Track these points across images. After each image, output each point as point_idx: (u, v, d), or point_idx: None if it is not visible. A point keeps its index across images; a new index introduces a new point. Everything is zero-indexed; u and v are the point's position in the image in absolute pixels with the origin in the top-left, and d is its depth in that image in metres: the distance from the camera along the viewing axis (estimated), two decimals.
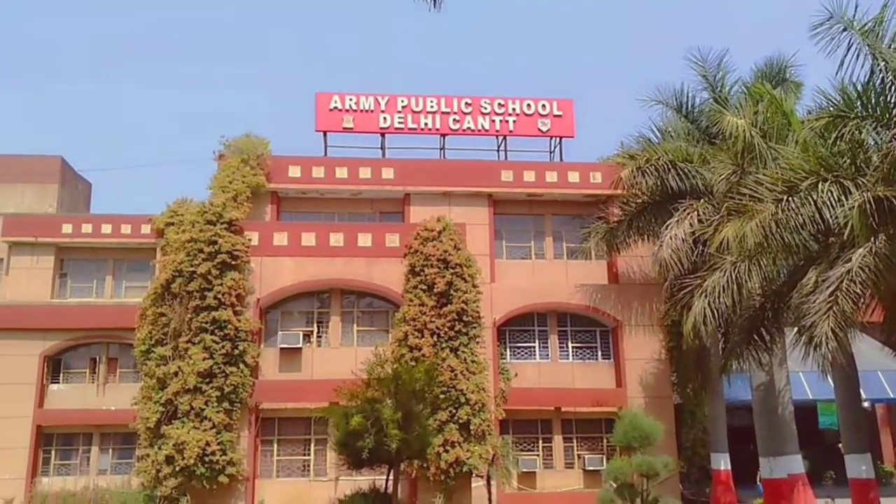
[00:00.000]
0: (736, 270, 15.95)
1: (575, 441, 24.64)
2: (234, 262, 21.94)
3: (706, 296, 16.52)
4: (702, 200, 20.01)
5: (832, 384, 22.28)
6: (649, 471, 9.71)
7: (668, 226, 19.97)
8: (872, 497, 15.34)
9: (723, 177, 18.65)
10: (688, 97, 23.02)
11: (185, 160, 55.06)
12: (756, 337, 17.03)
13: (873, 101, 14.26)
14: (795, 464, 20.48)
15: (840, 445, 24.97)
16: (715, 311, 16.52)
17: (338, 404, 22.12)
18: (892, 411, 29.12)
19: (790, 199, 13.95)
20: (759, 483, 22.84)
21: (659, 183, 21.01)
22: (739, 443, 25.11)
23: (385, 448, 5.51)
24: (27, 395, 26.46)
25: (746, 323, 17.03)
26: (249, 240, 22.67)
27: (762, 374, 19.57)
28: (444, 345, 21.77)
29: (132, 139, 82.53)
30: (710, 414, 23.78)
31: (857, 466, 15.58)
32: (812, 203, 13.65)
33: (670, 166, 20.71)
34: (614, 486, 23.17)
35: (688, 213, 19.71)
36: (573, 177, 26.03)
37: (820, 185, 13.51)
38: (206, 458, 19.98)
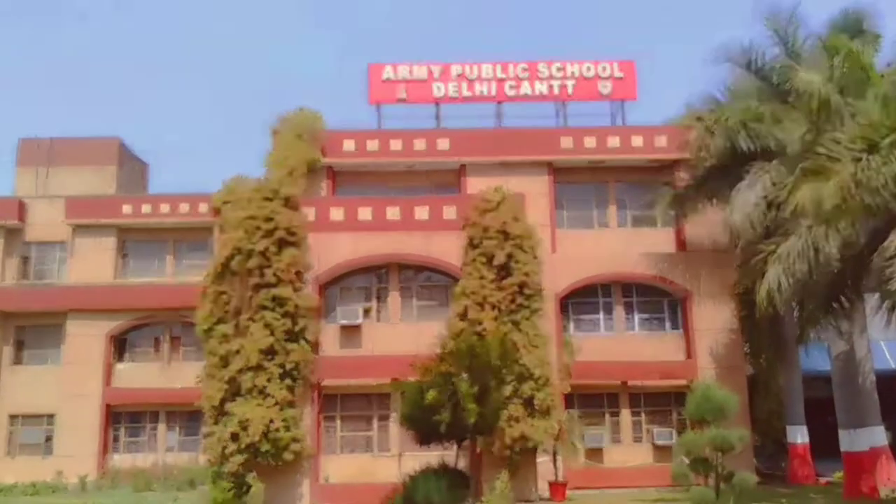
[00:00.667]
0: (812, 235, 15.07)
1: (643, 415, 23.96)
2: (291, 239, 21.74)
3: (780, 262, 15.69)
4: (774, 162, 18.97)
5: None
6: (724, 444, 9.11)
7: (738, 189, 19.01)
8: None
9: (797, 136, 17.62)
10: (757, 53, 21.78)
11: (240, 137, 55.45)
12: (835, 304, 16.20)
13: None
14: (877, 436, 19.48)
15: None
16: (790, 278, 15.69)
17: (400, 380, 22.00)
18: None
19: (870, 157, 13.07)
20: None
21: (728, 144, 20.00)
22: (817, 415, 24.10)
23: (461, 422, 5.16)
24: (95, 374, 27.10)
25: (824, 290, 16.15)
26: (306, 216, 22.43)
27: (841, 343, 18.56)
28: (505, 318, 21.22)
29: (187, 118, 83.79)
30: (786, 385, 22.87)
31: None
32: (894, 161, 12.68)
33: (740, 127, 19.67)
34: (687, 460, 22.58)
35: (759, 176, 18.72)
36: (636, 141, 25.06)
37: None
38: (271, 435, 19.95)
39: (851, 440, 18.30)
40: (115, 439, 27.53)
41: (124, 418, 27.71)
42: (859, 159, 13.09)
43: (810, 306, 17.53)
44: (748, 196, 18.58)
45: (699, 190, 21.65)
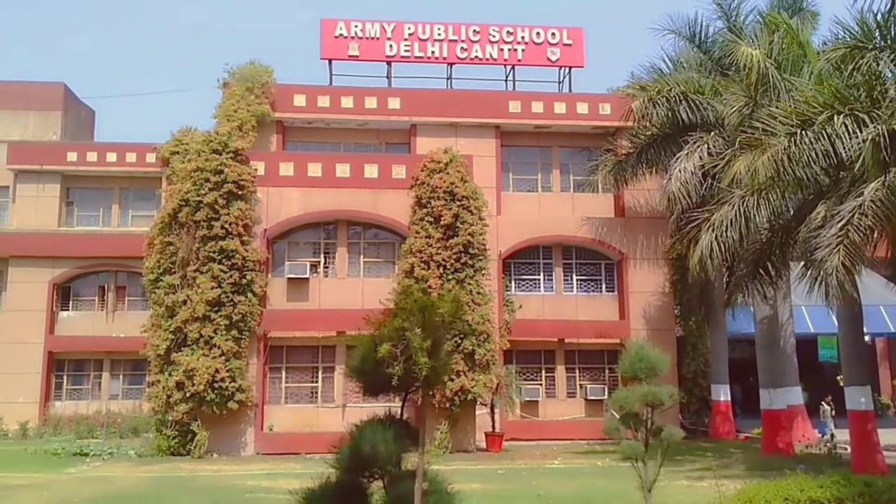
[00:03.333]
0: (745, 204, 15.88)
1: (577, 371, 25.04)
2: (240, 192, 21.87)
3: (713, 229, 16.51)
4: (712, 133, 19.82)
5: (834, 318, 22.59)
6: (654, 400, 9.79)
7: (677, 159, 19.83)
8: (870, 428, 15.65)
9: (735, 109, 18.41)
10: (701, 26, 22.60)
11: (188, 88, 54.34)
12: (762, 271, 17.12)
13: (893, 32, 13.95)
14: (795, 395, 20.92)
15: (839, 378, 25.41)
16: (722, 245, 16.53)
17: (346, 333, 22.50)
18: (891, 345, 29.48)
19: (804, 132, 13.79)
20: None
21: (670, 115, 20.76)
22: (739, 375, 25.56)
23: (410, 375, 5.61)
24: (38, 321, 26.88)
25: (753, 257, 17.08)
26: (255, 169, 22.53)
27: (766, 308, 19.73)
28: (449, 276, 21.86)
29: (135, 66, 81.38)
30: (712, 346, 24.13)
31: (857, 398, 15.85)
32: (826, 137, 13.50)
33: (682, 98, 20.43)
34: (616, 415, 23.74)
35: (698, 146, 19.54)
36: (582, 108, 25.69)
37: (835, 119, 13.34)
38: (216, 385, 20.33)
39: (771, 399, 19.55)
40: (58, 387, 27.48)
41: (68, 366, 27.63)
42: (794, 134, 13.78)
43: (739, 272, 18.49)
44: (686, 165, 19.41)
45: (640, 157, 22.44)
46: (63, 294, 27.94)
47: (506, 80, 26.98)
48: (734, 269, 22.17)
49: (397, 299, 5.83)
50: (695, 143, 19.70)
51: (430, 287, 21.55)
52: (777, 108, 15.33)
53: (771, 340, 19.87)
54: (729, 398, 23.37)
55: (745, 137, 15.17)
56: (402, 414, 6.21)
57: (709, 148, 19.38)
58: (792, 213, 16.77)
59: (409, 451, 6.01)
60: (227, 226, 21.40)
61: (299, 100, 25.05)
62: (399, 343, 5.53)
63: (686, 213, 19.28)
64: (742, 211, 15.87)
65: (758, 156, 14.18)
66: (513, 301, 24.40)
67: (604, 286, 25.39)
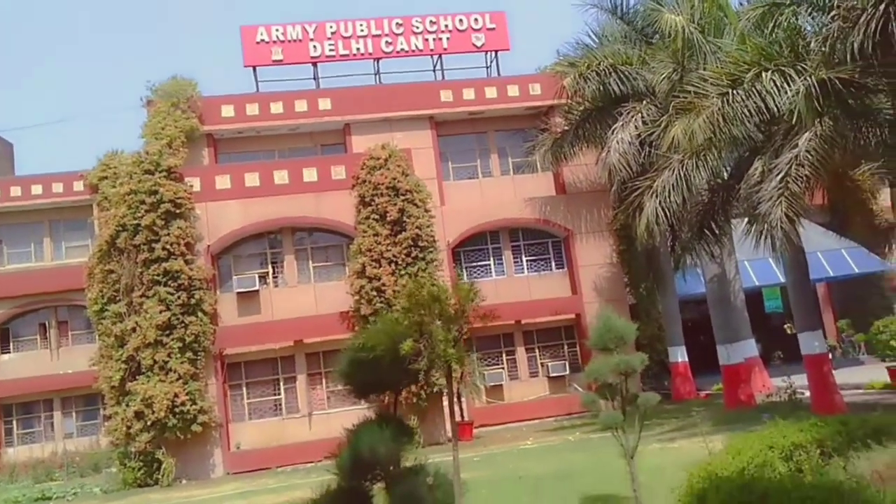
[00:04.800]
0: (684, 168, 16.21)
1: (537, 350, 25.28)
2: (178, 211, 21.32)
3: (657, 196, 16.81)
4: (645, 102, 20.16)
5: (777, 269, 23.34)
6: (628, 368, 9.90)
7: (613, 130, 20.12)
8: (826, 370, 16.21)
9: (664, 76, 18.78)
10: None
11: (109, 111, 52.65)
12: (707, 231, 17.52)
13: None
14: (750, 348, 21.51)
15: (785, 327, 26.30)
16: (666, 210, 16.86)
17: (302, 342, 22.20)
18: (831, 290, 30.59)
19: (735, 91, 14.12)
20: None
21: (601, 88, 21.03)
22: (693, 335, 26.17)
23: (406, 372, 5.57)
24: None
25: (697, 218, 17.47)
26: (191, 186, 21.99)
27: (714, 266, 20.23)
28: (402, 272, 21.77)
29: (50, 94, 78.50)
30: (664, 310, 24.63)
31: (811, 343, 16.39)
32: (756, 94, 13.84)
33: (611, 70, 20.71)
34: (579, 389, 24.05)
35: (632, 116, 19.85)
36: (513, 90, 25.86)
37: (763, 75, 13.69)
38: (177, 410, 19.83)
39: (728, 354, 20.06)
40: (8, 433, 26.38)
41: (16, 410, 26.54)
42: (725, 94, 14.10)
43: (685, 235, 18.89)
44: (623, 136, 19.70)
45: (576, 133, 22.67)
46: (2, 336, 26.81)
47: (434, 70, 26.95)
48: (678, 232, 22.69)
49: (409, 295, 5.75)
50: (628, 113, 20.01)
51: (384, 285, 21.47)
52: (706, 70, 15.68)
53: (722, 297, 20.39)
54: (686, 359, 23.91)
55: (678, 102, 15.47)
56: (395, 411, 6.15)
57: (643, 117, 19.72)
58: (730, 171, 17.23)
59: (407, 448, 5.95)
60: (168, 246, 20.85)
61: (227, 110, 24.55)
62: (420, 338, 5.45)
63: (627, 184, 19.60)
64: (682, 175, 16.19)
65: (693, 119, 14.47)
66: (473, 288, 24.37)
67: (553, 264, 25.66)
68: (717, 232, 17.26)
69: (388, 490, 5.76)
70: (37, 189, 26.90)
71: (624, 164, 19.80)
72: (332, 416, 21.90)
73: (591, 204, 25.24)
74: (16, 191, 26.93)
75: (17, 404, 26.54)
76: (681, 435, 16.17)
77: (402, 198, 22.22)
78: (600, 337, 10.40)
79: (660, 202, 16.62)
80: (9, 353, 26.80)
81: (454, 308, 5.78)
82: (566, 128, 23.24)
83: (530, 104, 25.90)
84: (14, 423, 26.49)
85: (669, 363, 24.23)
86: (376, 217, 22.21)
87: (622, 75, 20.70)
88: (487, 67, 27.21)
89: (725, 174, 17.42)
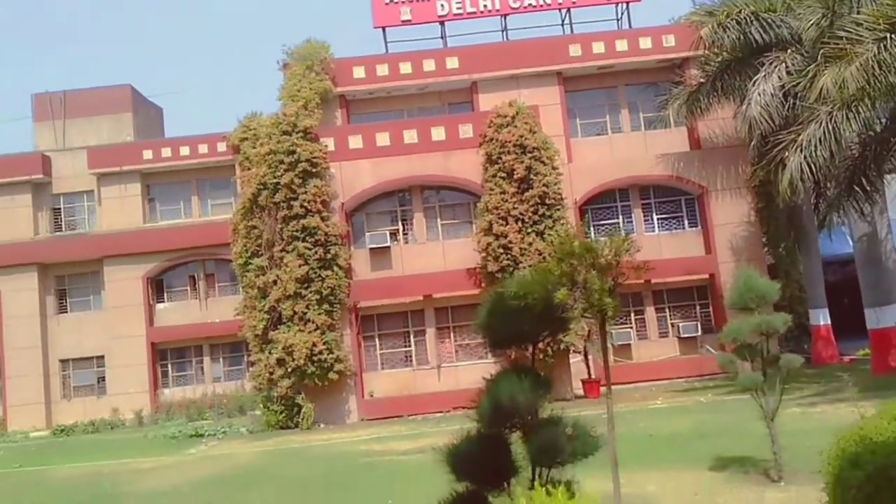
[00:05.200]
0: (833, 120, 15.30)
1: (668, 311, 24.76)
2: (314, 170, 22.17)
3: (801, 150, 15.99)
4: (789, 51, 19.00)
5: None
6: (769, 329, 9.61)
7: (754, 82, 19.11)
8: None
9: (812, 22, 17.62)
10: None
11: (247, 76, 55.12)
12: (856, 187, 16.55)
13: None
14: None
15: None
16: (812, 166, 16.00)
17: (431, 296, 22.77)
18: None
19: (893, 36, 13.13)
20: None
21: (741, 38, 19.96)
22: (836, 298, 24.81)
23: (545, 323, 5.72)
24: (137, 315, 28.12)
25: (846, 174, 16.52)
26: (326, 146, 22.78)
27: (864, 225, 19.01)
28: (529, 230, 21.79)
29: (192, 60, 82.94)
30: (806, 271, 23.46)
31: None
32: None
33: (752, 18, 19.60)
34: (711, 350, 23.43)
35: (775, 67, 18.78)
36: (645, 43, 24.98)
37: None
38: (315, 358, 20.90)
39: (878, 317, 18.92)
40: (164, 375, 28.78)
41: (170, 355, 28.89)
42: (882, 39, 13.14)
43: (832, 191, 17.90)
44: (765, 87, 18.68)
45: (713, 86, 21.69)
46: (157, 287, 29.09)
47: (562, 25, 26.43)
48: (823, 189, 21.48)
49: (561, 245, 5.86)
50: (771, 63, 18.93)
51: (510, 242, 21.59)
52: (860, 14, 14.60)
53: (872, 258, 19.18)
54: (829, 322, 22.75)
55: (828, 49, 14.56)
56: (533, 363, 6.29)
57: (787, 67, 18.61)
58: (884, 123, 16.08)
59: (544, 399, 6.08)
60: (305, 204, 21.77)
61: (358, 72, 25.13)
62: (573, 287, 5.56)
63: (768, 138, 18.66)
64: (831, 127, 15.31)
65: (844, 67, 13.61)
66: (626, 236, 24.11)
67: (686, 222, 24.90)
68: (867, 188, 16.26)
69: (527, 438, 5.94)
70: (184, 150, 28.73)
71: (766, 117, 18.81)
72: (460, 368, 22.46)
73: (727, 160, 24.19)
74: (166, 152, 28.87)
75: (172, 349, 28.85)
76: (823, 400, 15.53)
77: (530, 155, 22.11)
78: (740, 296, 10.12)
79: (805, 157, 15.80)
80: (163, 302, 29.08)
81: (608, 259, 5.83)
82: (702, 80, 22.28)
83: (663, 57, 24.97)
84: (169, 366, 28.84)
85: (810, 326, 23.14)
86: (503, 175, 22.24)
87: (765, 23, 19.55)
88: (618, 20, 26.41)
89: (879, 126, 16.27)
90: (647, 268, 6.50)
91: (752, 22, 19.66)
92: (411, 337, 23.26)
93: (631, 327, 24.60)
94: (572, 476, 5.87)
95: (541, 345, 6.27)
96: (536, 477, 5.88)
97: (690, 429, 13.93)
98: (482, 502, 6.00)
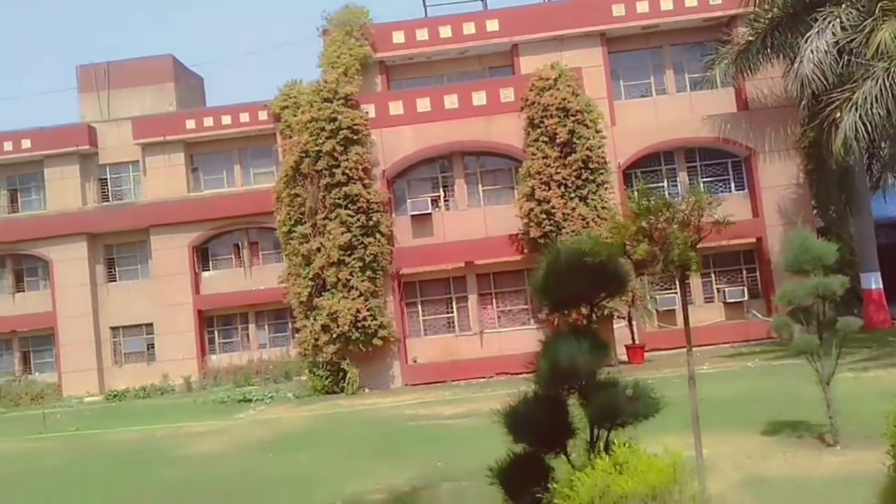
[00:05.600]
0: (890, 77, 14.79)
1: (713, 275, 24.41)
2: (355, 137, 22.15)
3: (856, 109, 15.51)
4: (844, 6, 18.29)
5: None
6: (826, 291, 9.38)
7: (807, 39, 18.48)
8: None
9: None
10: None
11: (285, 42, 55.09)
12: None
13: None
14: None
15: None
16: (867, 125, 15.50)
17: (473, 263, 22.74)
18: None
19: None
20: None
21: None
22: (888, 261, 24.18)
23: (604, 283, 5.67)
24: (184, 283, 28.63)
25: None
26: (367, 112, 22.71)
27: None
28: (572, 195, 21.56)
29: (230, 28, 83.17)
30: (858, 233, 22.91)
31: None
32: None
33: None
34: (758, 315, 23.09)
35: (829, 22, 18.13)
36: (690, 1, 24.36)
37: None
38: (359, 324, 21.09)
39: None
40: (211, 342, 29.35)
41: (217, 321, 29.42)
42: None
43: (886, 151, 17.36)
44: (818, 44, 18.06)
45: (763, 44, 21.02)
46: (202, 255, 29.55)
47: None
48: (878, 150, 20.84)
49: (638, 203, 5.79)
50: (825, 19, 18.27)
51: (553, 207, 21.39)
52: None
53: None
54: (881, 286, 22.23)
55: (886, 2, 13.99)
56: (590, 324, 6.23)
57: (841, 22, 17.94)
58: None
59: (602, 361, 6.02)
60: (347, 171, 21.80)
61: (398, 37, 24.96)
62: (652, 242, 5.49)
63: (822, 97, 18.09)
64: (888, 84, 14.80)
65: None
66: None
67: (733, 185, 24.42)
68: None
69: (586, 400, 5.89)
70: (226, 119, 28.92)
71: (819, 74, 18.21)
72: (503, 335, 22.49)
73: (776, 121, 23.58)
74: (208, 121, 29.10)
75: (218, 316, 29.36)
76: (875, 365, 15.23)
77: (572, 119, 21.78)
78: (796, 258, 9.88)
79: (860, 115, 15.32)
80: (209, 270, 29.54)
81: (687, 215, 5.74)
82: (751, 38, 21.64)
83: (709, 15, 24.33)
84: (216, 333, 29.38)
85: (861, 290, 22.61)
86: (545, 139, 21.97)
87: None
88: None
89: None
90: (727, 223, 6.36)
91: None
92: (453, 303, 23.31)
93: (675, 292, 24.30)
94: (629, 438, 5.84)
95: (583, 310, 6.23)
96: (595, 438, 5.86)
97: (740, 393, 13.78)
98: (540, 463, 6.00)
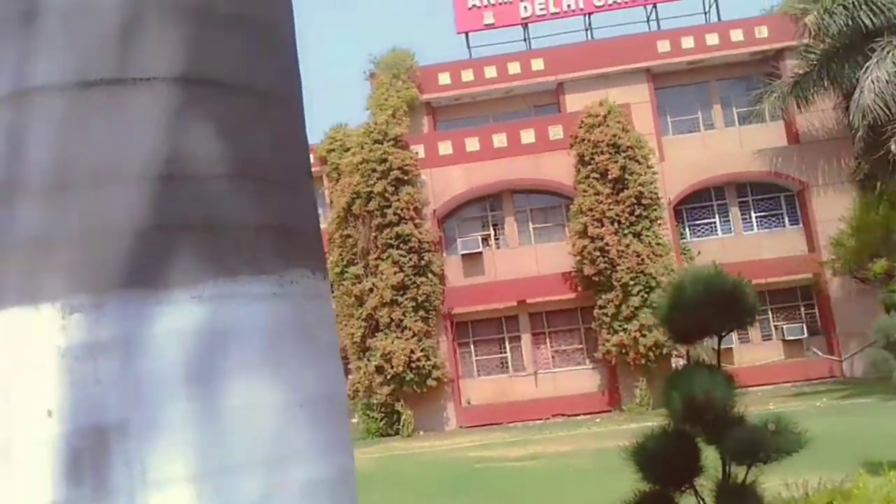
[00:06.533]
0: None
1: (770, 312, 23.86)
2: (405, 178, 22.24)
3: None
4: None
5: None
6: None
7: (866, 69, 18.28)
8: None
9: None
10: None
11: (331, 85, 55.74)
12: None
13: None
14: None
15: None
16: None
17: (525, 302, 22.51)
18: None
19: None
20: None
21: (849, 23, 19.14)
22: None
23: (731, 315, 5.48)
24: None
25: None
26: (416, 153, 22.85)
27: None
28: (625, 231, 21.37)
29: None
30: None
31: None
32: None
33: (862, 2, 18.78)
34: (818, 353, 22.48)
35: (888, 52, 17.94)
36: (736, 35, 24.30)
37: None
38: (413, 365, 20.90)
39: None
40: None
41: None
42: None
43: None
44: (878, 74, 17.87)
45: (818, 76, 20.87)
46: None
47: (648, 21, 25.97)
48: None
49: (857, 216, 5.59)
50: (884, 49, 18.09)
51: (607, 244, 21.17)
52: None
53: None
54: None
55: None
56: (718, 358, 5.99)
57: None
58: None
59: (735, 395, 5.79)
60: (399, 211, 21.84)
61: (444, 78, 25.18)
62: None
63: (885, 127, 17.80)
64: None
65: None
66: (690, 249, 23.55)
67: (787, 220, 24.04)
68: None
69: (719, 435, 5.64)
70: None
71: (880, 104, 17.96)
72: (557, 375, 22.15)
73: (829, 153, 23.25)
74: None
75: None
76: None
77: (624, 154, 21.69)
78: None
79: None
80: None
81: None
82: (805, 70, 21.45)
83: (756, 49, 24.23)
84: None
85: None
86: (596, 176, 21.87)
87: (875, 6, 18.69)
88: (706, 13, 25.82)
89: None
90: None
91: (861, 6, 18.84)
92: (506, 343, 23.04)
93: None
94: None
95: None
96: (728, 475, 5.60)
97: (824, 432, 13.21)
98: (668, 502, 5.75)
